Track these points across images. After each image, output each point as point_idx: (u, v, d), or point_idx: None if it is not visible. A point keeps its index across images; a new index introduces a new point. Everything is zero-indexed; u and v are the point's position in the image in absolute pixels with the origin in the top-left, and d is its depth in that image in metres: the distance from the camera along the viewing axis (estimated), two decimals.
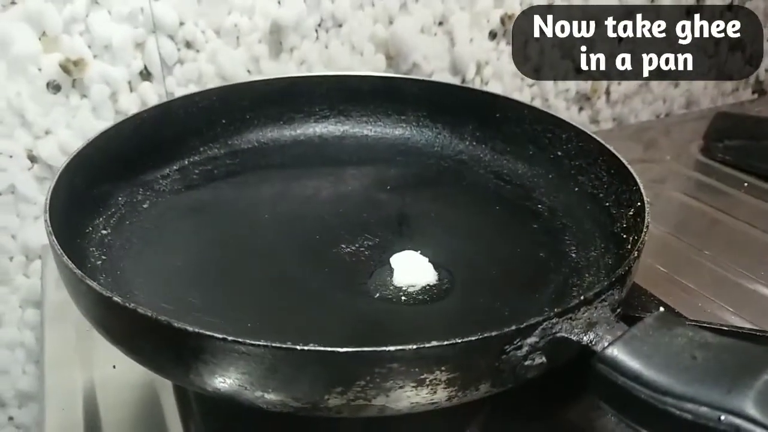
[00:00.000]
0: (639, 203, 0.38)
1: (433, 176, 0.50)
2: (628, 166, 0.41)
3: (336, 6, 0.60)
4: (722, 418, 0.22)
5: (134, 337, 0.29)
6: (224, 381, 0.27)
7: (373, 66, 0.64)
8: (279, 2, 0.57)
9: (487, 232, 0.44)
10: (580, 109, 0.79)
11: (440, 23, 0.65)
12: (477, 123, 0.52)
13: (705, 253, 0.55)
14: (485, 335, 0.26)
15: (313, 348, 0.25)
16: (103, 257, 0.37)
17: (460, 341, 0.26)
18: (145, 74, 0.55)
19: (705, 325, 0.33)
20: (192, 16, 0.54)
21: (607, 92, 0.80)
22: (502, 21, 0.68)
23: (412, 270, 0.38)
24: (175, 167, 0.47)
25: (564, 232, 0.43)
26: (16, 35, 0.49)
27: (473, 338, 0.26)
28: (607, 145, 0.43)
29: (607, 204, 0.42)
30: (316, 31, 0.60)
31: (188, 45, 0.55)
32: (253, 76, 0.59)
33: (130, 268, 0.37)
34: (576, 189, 0.45)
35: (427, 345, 0.26)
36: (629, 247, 0.36)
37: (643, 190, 0.38)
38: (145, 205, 0.43)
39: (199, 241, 0.41)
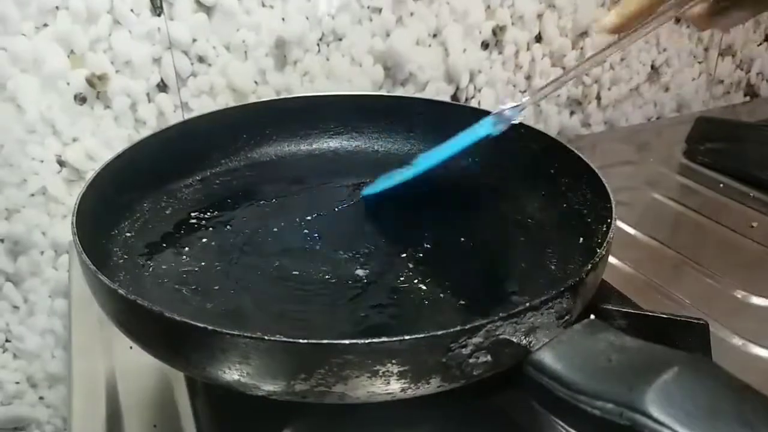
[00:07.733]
0: (609, 220, 0.39)
1: (436, 188, 0.51)
2: (606, 185, 0.42)
3: (336, 22, 0.64)
4: (623, 413, 0.24)
5: (134, 323, 0.33)
6: (207, 366, 0.30)
7: (372, 77, 0.68)
8: (283, 19, 0.62)
9: (477, 241, 0.46)
10: (572, 113, 0.83)
11: (434, 35, 0.70)
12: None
13: (677, 251, 0.59)
14: (431, 333, 0.28)
15: (278, 338, 0.28)
16: (125, 256, 0.42)
17: (407, 338, 0.28)
18: (162, 86, 0.60)
19: (628, 311, 0.35)
20: (204, 33, 0.60)
21: (598, 97, 0.84)
22: (494, 32, 0.73)
23: None
24: (198, 177, 0.52)
25: (548, 246, 0.45)
26: (47, 54, 0.55)
27: (420, 335, 0.28)
28: (590, 164, 0.45)
29: (589, 220, 0.44)
30: (318, 45, 0.65)
31: (201, 59, 0.61)
32: (260, 86, 0.64)
33: (148, 267, 0.42)
34: (564, 205, 0.47)
35: (377, 340, 0.28)
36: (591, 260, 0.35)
37: (614, 208, 0.39)
38: (167, 212, 0.48)
39: (215, 246, 0.45)
